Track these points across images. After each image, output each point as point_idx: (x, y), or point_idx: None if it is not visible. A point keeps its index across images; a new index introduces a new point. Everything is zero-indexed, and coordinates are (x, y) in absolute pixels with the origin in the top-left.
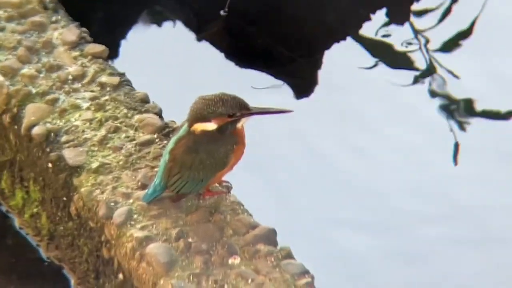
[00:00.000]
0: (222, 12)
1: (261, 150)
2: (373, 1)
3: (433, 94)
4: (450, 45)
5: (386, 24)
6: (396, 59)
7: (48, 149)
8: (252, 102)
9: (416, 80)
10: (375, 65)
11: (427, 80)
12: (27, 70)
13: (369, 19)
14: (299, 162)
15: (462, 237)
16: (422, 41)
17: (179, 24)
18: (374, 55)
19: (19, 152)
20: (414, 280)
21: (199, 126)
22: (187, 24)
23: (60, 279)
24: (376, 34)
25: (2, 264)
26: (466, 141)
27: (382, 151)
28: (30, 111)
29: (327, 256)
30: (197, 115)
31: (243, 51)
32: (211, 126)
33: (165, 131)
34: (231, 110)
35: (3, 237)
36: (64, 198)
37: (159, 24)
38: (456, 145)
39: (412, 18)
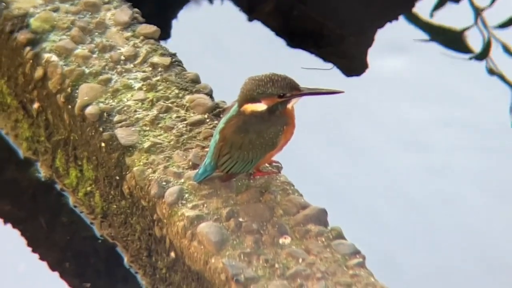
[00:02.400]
0: None
1: (312, 130)
2: None
3: (490, 72)
4: (507, 24)
5: (441, 2)
6: (450, 38)
7: (101, 129)
8: (303, 82)
9: (472, 58)
10: (430, 41)
11: (483, 59)
12: (80, 50)
13: None
14: (353, 142)
15: None
16: (479, 20)
17: (230, 4)
18: (427, 33)
19: (73, 131)
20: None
21: (249, 107)
22: (238, 3)
23: (113, 256)
24: (430, 12)
25: (57, 241)
26: None
27: (436, 129)
28: (84, 91)
29: (378, 237)
30: (247, 96)
31: (293, 31)
32: (261, 106)
33: (216, 111)
34: (281, 91)
35: (58, 215)
36: (117, 177)
37: (210, 4)
38: None
39: None
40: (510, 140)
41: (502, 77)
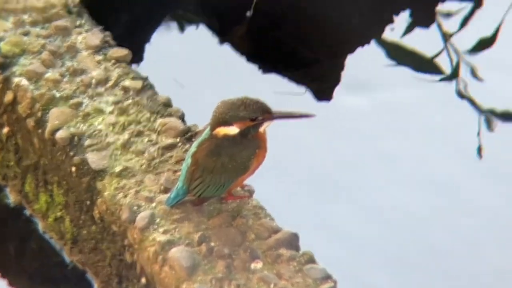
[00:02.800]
0: (247, 14)
1: (282, 153)
2: (396, 4)
3: (459, 96)
4: (474, 49)
5: (409, 27)
6: (419, 62)
7: (71, 153)
8: (275, 106)
9: (440, 82)
10: (398, 68)
11: (452, 83)
12: (51, 74)
13: (392, 21)
14: (323, 166)
15: None
16: (447, 44)
17: (202, 28)
18: (396, 58)
19: (43, 156)
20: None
21: (222, 130)
22: (210, 27)
23: (83, 283)
24: (400, 36)
25: (26, 267)
26: (488, 142)
27: (408, 153)
28: (54, 115)
29: (350, 261)
30: (219, 119)
31: (266, 54)
32: (233, 130)
33: (188, 135)
34: (253, 114)
35: (27, 241)
36: (88, 202)
37: (182, 27)
38: (479, 148)
39: (437, 21)
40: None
41: (471, 101)
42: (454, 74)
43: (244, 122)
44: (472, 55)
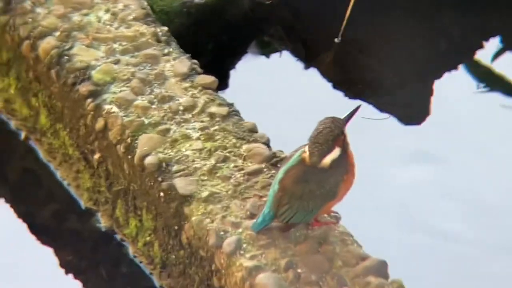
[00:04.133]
0: (336, 40)
1: (370, 178)
2: (486, 28)
3: None
4: None
5: (500, 52)
6: (510, 88)
7: (160, 179)
8: (363, 132)
9: None
10: (488, 93)
11: None
12: (140, 101)
13: (481, 46)
14: (409, 190)
15: None
16: None
17: (287, 54)
18: (487, 83)
19: (133, 181)
20: None
21: (328, 159)
22: (295, 54)
23: None
24: (490, 61)
25: None
26: None
27: (493, 177)
28: (143, 141)
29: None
30: (322, 150)
31: (351, 80)
32: (336, 152)
33: (273, 160)
34: (342, 127)
35: (118, 265)
36: (176, 227)
37: (267, 54)
38: None
39: None
40: None
41: None
42: None
43: (338, 139)
44: None
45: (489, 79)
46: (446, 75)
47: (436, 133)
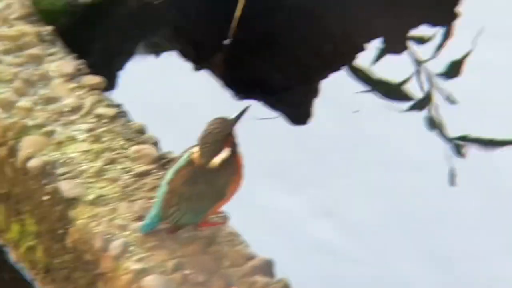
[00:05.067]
0: (225, 42)
1: (258, 175)
2: (369, 30)
3: (430, 124)
4: (446, 74)
5: (381, 54)
6: (389, 89)
7: (44, 182)
8: (251, 131)
9: (412, 108)
10: (370, 94)
11: (423, 109)
12: (24, 102)
13: (363, 49)
14: (296, 191)
15: None
16: (419, 70)
17: (176, 55)
18: (369, 84)
19: (15, 185)
20: None
21: (217, 159)
22: (186, 54)
23: None
24: (371, 63)
25: None
26: (462, 168)
27: (385, 179)
28: (27, 144)
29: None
30: (212, 151)
31: (240, 81)
32: (226, 152)
33: (162, 161)
34: (230, 127)
35: None
36: (61, 231)
37: (156, 55)
38: (452, 171)
39: (409, 48)
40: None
41: (440, 128)
42: (426, 100)
43: (228, 140)
44: (444, 79)
45: (370, 81)
46: (331, 77)
47: (319, 133)
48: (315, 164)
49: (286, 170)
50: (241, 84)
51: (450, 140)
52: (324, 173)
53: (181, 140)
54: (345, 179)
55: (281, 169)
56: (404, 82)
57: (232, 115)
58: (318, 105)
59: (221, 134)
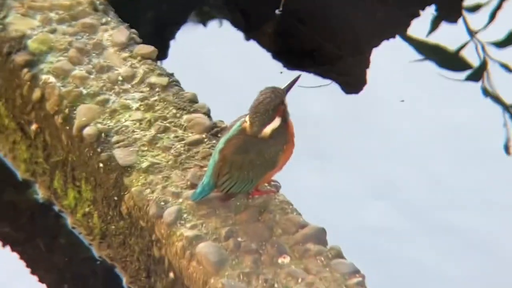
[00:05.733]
0: (277, 11)
1: (311, 148)
2: None
3: (485, 92)
4: (503, 44)
5: (435, 22)
6: (445, 57)
7: (99, 149)
8: (301, 100)
9: (467, 78)
10: (424, 63)
11: (479, 78)
12: (78, 71)
13: (418, 15)
14: (349, 161)
15: None
16: (474, 39)
17: (227, 24)
18: (423, 53)
19: (71, 152)
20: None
21: (269, 129)
22: (235, 24)
23: (112, 277)
24: (426, 32)
25: (56, 263)
26: None
27: (430, 147)
28: (81, 112)
29: (378, 257)
30: (263, 120)
31: (291, 51)
32: (276, 122)
33: (214, 130)
34: (282, 97)
35: (56, 236)
36: (115, 198)
37: (207, 24)
38: (508, 140)
39: (464, 15)
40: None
41: (497, 98)
42: (481, 70)
43: (279, 109)
44: (500, 49)
45: (425, 49)
46: (384, 44)
47: (372, 102)
48: (367, 135)
49: (337, 144)
50: (292, 54)
51: (506, 107)
52: (377, 144)
53: (232, 109)
54: (401, 150)
55: (331, 142)
56: (461, 48)
57: (283, 84)
58: (371, 74)
59: (272, 104)
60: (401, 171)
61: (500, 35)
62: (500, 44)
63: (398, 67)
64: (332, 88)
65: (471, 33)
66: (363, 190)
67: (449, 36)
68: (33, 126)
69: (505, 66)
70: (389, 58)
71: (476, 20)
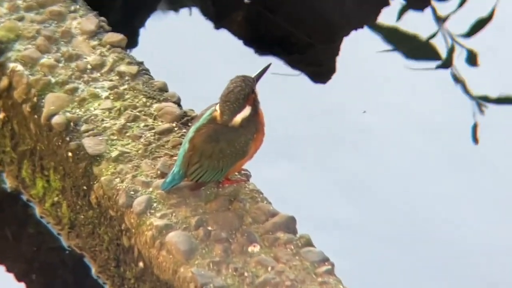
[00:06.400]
0: (245, 0)
1: (280, 135)
2: None
3: (455, 80)
4: (470, 32)
5: (404, 10)
6: (414, 46)
7: (67, 138)
8: (272, 89)
9: (435, 67)
10: (393, 52)
11: (448, 66)
12: (46, 59)
13: (387, 4)
14: (318, 148)
15: None
16: (442, 27)
17: (197, 12)
18: (392, 42)
19: (39, 141)
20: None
21: (239, 117)
22: (205, 12)
23: (81, 267)
24: (395, 20)
25: (24, 252)
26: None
27: (400, 138)
28: (50, 101)
29: (348, 245)
30: (233, 109)
31: (261, 39)
32: (247, 111)
33: (184, 119)
34: (253, 85)
35: (24, 226)
36: (84, 187)
37: (177, 12)
38: (475, 126)
39: (432, 4)
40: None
41: (464, 86)
42: (449, 60)
43: (249, 98)
44: (467, 38)
45: (394, 38)
46: (353, 34)
47: (341, 92)
48: (333, 127)
49: (305, 135)
50: (262, 41)
51: (473, 98)
52: (345, 138)
53: (202, 98)
54: (373, 142)
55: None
56: (431, 37)
57: (254, 73)
58: (340, 64)
59: (243, 93)
60: (371, 164)
61: (467, 25)
62: (467, 35)
63: (367, 57)
64: (302, 76)
65: (439, 21)
66: (333, 185)
67: (417, 24)
68: (0, 115)
69: (472, 54)
70: (359, 48)
71: (444, 9)
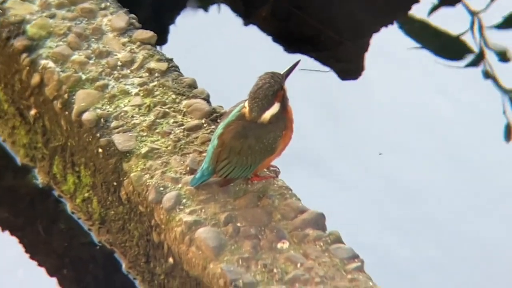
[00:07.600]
0: None
1: (308, 135)
2: None
3: (485, 76)
4: (502, 27)
5: (437, 7)
6: (444, 43)
7: (98, 135)
8: (301, 85)
9: (467, 63)
10: (423, 48)
11: (479, 63)
12: (77, 56)
13: (417, 1)
14: (348, 147)
15: None
16: (474, 23)
17: (226, 9)
18: (422, 38)
19: (70, 137)
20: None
21: (268, 114)
22: (235, 9)
23: (111, 263)
24: (426, 16)
25: (55, 248)
26: None
27: (431, 135)
28: (80, 97)
29: (377, 243)
30: (262, 105)
31: (290, 36)
32: (275, 107)
33: (213, 116)
34: (281, 82)
35: (55, 221)
36: (115, 183)
37: (206, 9)
38: (508, 126)
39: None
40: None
41: (495, 81)
42: (480, 56)
43: (278, 94)
44: (500, 31)
45: (423, 35)
46: (383, 31)
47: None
48: (362, 123)
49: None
50: (291, 38)
51: (506, 92)
52: (374, 132)
53: (231, 94)
54: (399, 138)
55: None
56: (461, 34)
57: (283, 69)
58: (369, 61)
59: (271, 89)
60: (402, 159)
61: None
62: (500, 26)
63: (396, 54)
64: (331, 73)
65: (472, 16)
66: (365, 183)
67: (448, 20)
68: (32, 111)
69: (503, 58)
70: (388, 45)
71: (475, 5)
